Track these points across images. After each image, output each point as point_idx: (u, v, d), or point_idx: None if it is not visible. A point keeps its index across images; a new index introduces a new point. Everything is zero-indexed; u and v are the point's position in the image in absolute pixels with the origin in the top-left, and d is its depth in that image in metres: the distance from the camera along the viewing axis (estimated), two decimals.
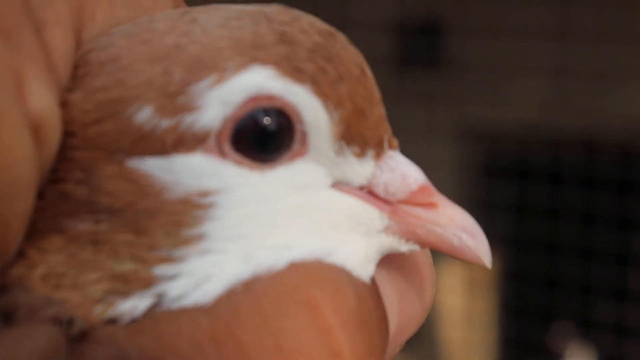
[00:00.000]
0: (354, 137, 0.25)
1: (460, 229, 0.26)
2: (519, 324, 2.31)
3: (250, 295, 0.23)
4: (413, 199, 0.26)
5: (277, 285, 0.23)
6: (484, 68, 2.16)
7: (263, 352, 0.22)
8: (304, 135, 0.24)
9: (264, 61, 0.23)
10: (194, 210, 0.23)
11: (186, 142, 0.23)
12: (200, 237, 0.23)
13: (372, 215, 0.25)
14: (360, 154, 0.25)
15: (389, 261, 0.26)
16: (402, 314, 0.26)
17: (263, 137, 0.24)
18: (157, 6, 0.27)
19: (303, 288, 0.23)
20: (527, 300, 2.29)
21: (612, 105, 2.06)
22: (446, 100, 2.21)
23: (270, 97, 0.23)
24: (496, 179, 2.26)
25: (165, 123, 0.23)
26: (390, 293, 0.26)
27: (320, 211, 0.24)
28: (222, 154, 0.23)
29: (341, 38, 0.25)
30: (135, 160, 0.23)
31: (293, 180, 0.24)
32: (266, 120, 0.24)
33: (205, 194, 0.23)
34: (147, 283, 0.23)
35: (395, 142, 0.26)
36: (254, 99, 0.23)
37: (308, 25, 0.25)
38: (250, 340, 0.22)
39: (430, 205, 0.26)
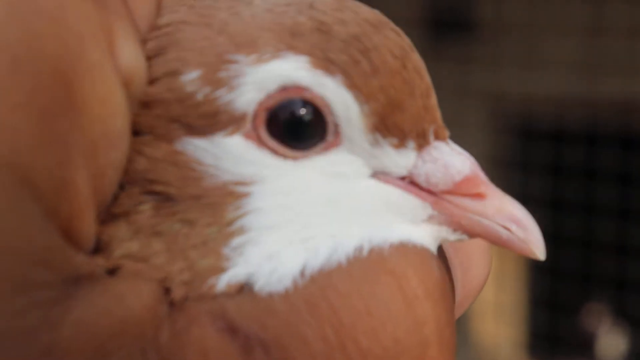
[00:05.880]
0: (390, 128, 0.25)
1: (509, 219, 0.25)
2: (551, 287, 2.31)
3: (340, 267, 0.24)
4: (459, 190, 0.25)
5: (367, 258, 0.24)
6: (518, 30, 2.14)
7: (354, 314, 0.23)
8: (336, 126, 0.24)
9: (298, 50, 0.24)
10: (233, 201, 0.24)
11: (224, 121, 0.24)
12: (241, 230, 0.24)
13: (413, 204, 0.25)
14: (399, 145, 0.25)
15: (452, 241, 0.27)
16: (464, 287, 0.28)
17: (295, 126, 0.24)
18: None
19: (392, 260, 0.24)
20: (563, 263, 2.30)
21: None
22: (480, 63, 2.19)
23: (299, 88, 0.24)
24: (531, 142, 2.25)
25: (208, 91, 0.24)
26: (456, 267, 0.27)
27: (360, 199, 0.25)
28: (259, 140, 0.24)
29: (386, 29, 0.25)
30: (183, 140, 0.24)
31: (329, 169, 0.25)
32: (298, 111, 0.24)
33: (243, 182, 0.24)
34: (218, 271, 0.24)
35: (445, 133, 0.26)
36: (285, 88, 0.24)
37: (351, 15, 0.25)
38: (342, 303, 0.23)
39: (478, 195, 0.25)
